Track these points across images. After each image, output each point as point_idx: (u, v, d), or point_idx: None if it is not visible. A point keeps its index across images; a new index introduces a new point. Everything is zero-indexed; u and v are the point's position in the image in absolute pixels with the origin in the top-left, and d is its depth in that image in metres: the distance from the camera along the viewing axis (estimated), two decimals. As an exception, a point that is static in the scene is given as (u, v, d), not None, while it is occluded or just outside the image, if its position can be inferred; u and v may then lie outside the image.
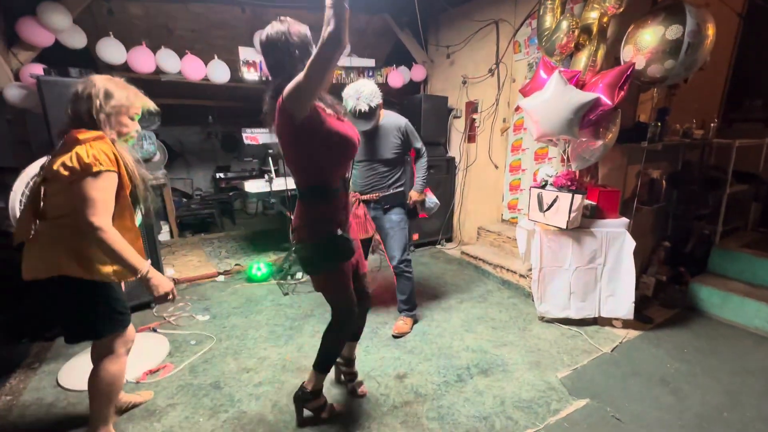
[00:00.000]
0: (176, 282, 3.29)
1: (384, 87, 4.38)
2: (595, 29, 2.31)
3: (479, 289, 3.20)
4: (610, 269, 2.48)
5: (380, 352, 2.32)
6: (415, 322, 2.64)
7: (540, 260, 2.54)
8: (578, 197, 2.35)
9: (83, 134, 1.31)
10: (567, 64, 2.50)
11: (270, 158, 3.20)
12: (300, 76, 1.19)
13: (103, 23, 2.99)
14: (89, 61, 2.98)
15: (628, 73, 2.19)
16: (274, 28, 1.32)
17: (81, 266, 1.37)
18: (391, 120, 2.34)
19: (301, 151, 1.38)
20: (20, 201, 1.82)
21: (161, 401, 1.90)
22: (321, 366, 1.71)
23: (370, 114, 2.15)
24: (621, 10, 2.25)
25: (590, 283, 2.53)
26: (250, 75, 3.48)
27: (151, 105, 1.53)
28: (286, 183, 3.14)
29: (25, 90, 2.62)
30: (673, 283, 2.96)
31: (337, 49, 1.12)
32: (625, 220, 2.47)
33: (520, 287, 3.10)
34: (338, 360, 1.95)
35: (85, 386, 1.53)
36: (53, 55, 2.88)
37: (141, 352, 2.23)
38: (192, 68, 3.20)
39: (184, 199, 5.63)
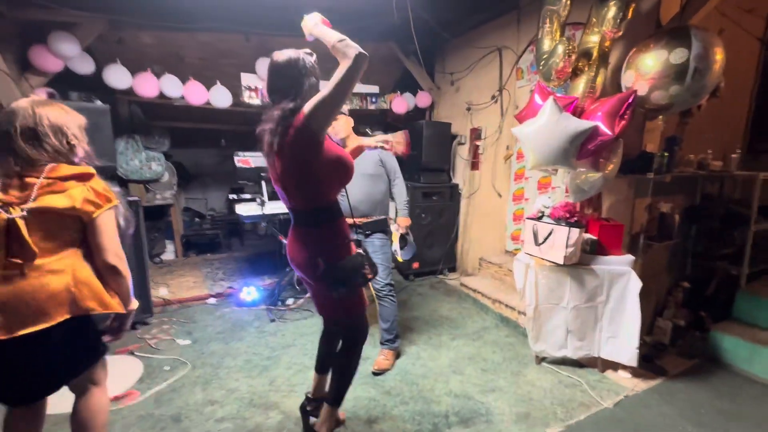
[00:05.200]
0: (167, 302, 3.27)
1: (388, 113, 4.40)
2: (595, 53, 2.20)
3: (475, 325, 2.99)
4: (612, 309, 2.25)
5: (355, 391, 2.15)
6: (398, 356, 2.48)
7: (535, 297, 2.34)
8: (575, 231, 2.17)
9: (87, 168, 1.26)
10: (566, 89, 2.38)
11: (264, 182, 3.20)
12: (325, 94, 1.28)
13: (113, 50, 3.14)
14: (99, 86, 3.12)
15: (630, 101, 2.04)
16: (292, 52, 1.38)
17: (99, 300, 1.27)
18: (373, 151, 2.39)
19: (317, 170, 1.39)
20: None
21: (117, 431, 1.81)
22: (339, 399, 1.69)
23: None
24: (620, 33, 2.13)
25: (589, 322, 2.30)
26: (253, 100, 3.55)
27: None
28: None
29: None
30: (692, 328, 2.66)
31: (363, 67, 1.27)
32: (629, 257, 2.24)
33: (519, 325, 2.87)
34: (308, 393, 1.86)
35: (63, 409, 1.40)
36: (65, 80, 3.04)
37: (112, 376, 2.17)
38: (194, 93, 3.30)
39: (197, 219, 5.75)
